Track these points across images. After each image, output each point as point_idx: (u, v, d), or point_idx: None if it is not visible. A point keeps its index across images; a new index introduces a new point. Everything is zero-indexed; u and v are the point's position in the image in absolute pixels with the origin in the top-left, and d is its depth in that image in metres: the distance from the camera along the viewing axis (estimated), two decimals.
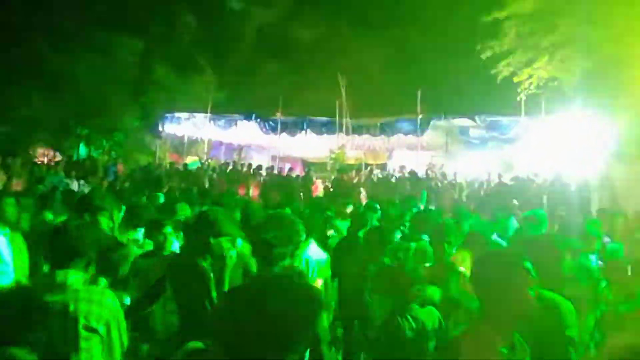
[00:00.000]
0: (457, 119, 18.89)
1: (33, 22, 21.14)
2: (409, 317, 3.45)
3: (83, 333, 2.83)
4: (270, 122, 20.01)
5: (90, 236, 3.11)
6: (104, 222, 4.64)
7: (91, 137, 21.98)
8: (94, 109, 21.29)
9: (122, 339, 3.02)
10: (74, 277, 2.90)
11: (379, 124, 18.85)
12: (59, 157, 20.26)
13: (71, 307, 2.83)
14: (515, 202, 12.31)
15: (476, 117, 18.36)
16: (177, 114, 21.18)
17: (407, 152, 20.22)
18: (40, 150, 21.63)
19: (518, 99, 17.13)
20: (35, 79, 20.89)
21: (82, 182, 15.82)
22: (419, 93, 17.98)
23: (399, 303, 3.50)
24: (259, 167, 19.21)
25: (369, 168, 19.30)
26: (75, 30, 21.07)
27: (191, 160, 21.58)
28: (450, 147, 19.78)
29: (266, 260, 3.32)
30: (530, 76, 16.44)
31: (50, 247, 3.03)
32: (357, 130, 19.15)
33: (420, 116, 18.11)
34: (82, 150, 21.99)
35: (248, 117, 20.34)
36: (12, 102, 21.13)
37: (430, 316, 3.61)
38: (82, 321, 2.84)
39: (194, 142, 21.99)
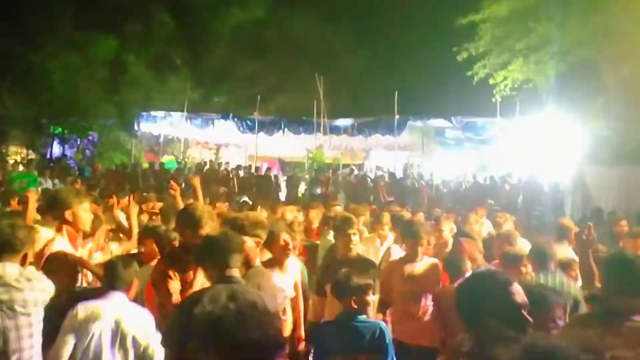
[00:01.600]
0: (433, 119, 19.11)
1: (3, 18, 20.74)
2: None
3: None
4: (248, 122, 19.95)
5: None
6: None
7: (65, 136, 21.62)
8: (68, 107, 20.94)
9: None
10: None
11: (356, 124, 18.97)
12: (32, 156, 19.88)
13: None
14: (490, 201, 12.55)
15: (452, 118, 18.61)
16: (153, 113, 20.96)
17: (384, 152, 20.38)
18: (12, 149, 21.21)
19: (493, 100, 17.37)
20: (4, 76, 20.49)
21: (56, 181, 15.60)
22: (396, 94, 18.13)
23: None
24: (238, 167, 19.17)
25: (347, 168, 19.37)
26: (48, 27, 20.71)
27: (167, 159, 21.40)
28: (427, 148, 19.98)
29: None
30: (505, 78, 16.69)
31: None
32: (335, 130, 19.23)
33: (397, 117, 18.27)
34: (56, 149, 21.63)
35: (225, 117, 20.25)
36: None
37: None
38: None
39: (170, 141, 21.80)
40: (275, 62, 23.97)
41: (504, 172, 16.76)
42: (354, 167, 19.69)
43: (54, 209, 4.44)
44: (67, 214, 4.31)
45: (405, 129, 18.60)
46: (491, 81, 16.90)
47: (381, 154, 20.71)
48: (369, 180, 17.12)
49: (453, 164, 19.03)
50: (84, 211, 4.42)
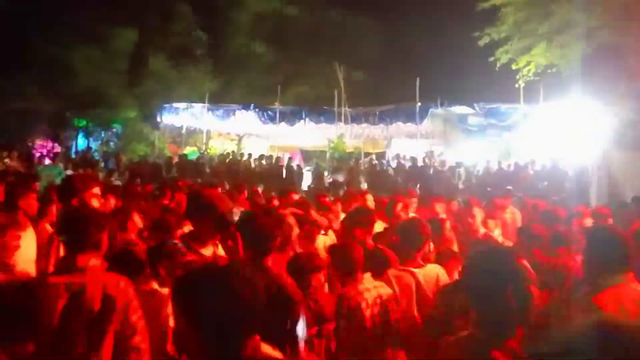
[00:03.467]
0: (455, 106, 18.91)
1: (25, 12, 21.05)
2: None
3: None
4: (269, 112, 20.02)
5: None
6: None
7: (89, 129, 21.96)
8: (91, 100, 21.26)
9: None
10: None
11: (377, 113, 18.88)
12: (57, 149, 20.23)
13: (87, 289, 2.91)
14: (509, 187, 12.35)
15: (474, 105, 18.40)
16: (175, 105, 21.16)
17: (406, 141, 20.24)
18: (38, 142, 21.60)
19: (516, 86, 17.13)
20: (28, 71, 20.83)
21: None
22: (417, 81, 17.96)
23: None
24: (261, 157, 19.26)
25: (369, 157, 19.30)
26: (70, 21, 20.98)
27: (190, 150, 21.57)
28: (449, 135, 19.79)
29: None
30: (529, 63, 16.42)
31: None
32: (356, 119, 19.16)
33: (418, 104, 18.12)
34: (81, 141, 21.98)
35: (246, 107, 20.34)
36: (6, 95, 21.09)
37: None
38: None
39: (192, 133, 21.96)
40: (294, 51, 23.91)
41: (527, 158, 16.54)
42: (374, 156, 19.60)
43: (64, 195, 4.51)
44: (76, 201, 4.36)
45: (427, 117, 18.45)
46: (514, 66, 16.64)
47: (403, 142, 20.57)
48: (390, 168, 17.06)
49: (476, 152, 18.82)
50: (92, 197, 4.46)
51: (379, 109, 18.96)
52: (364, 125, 19.39)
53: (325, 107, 19.47)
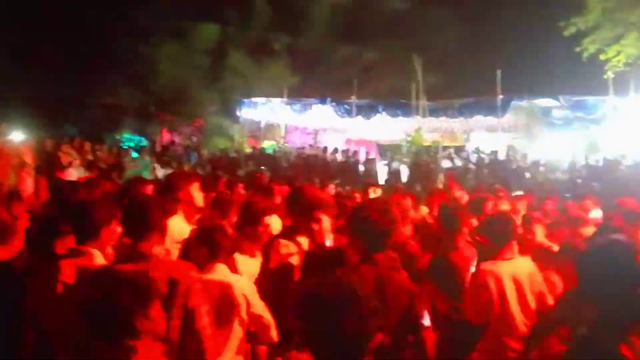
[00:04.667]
0: (539, 99, 18.24)
1: (112, 11, 22.15)
2: None
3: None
4: (345, 106, 20.05)
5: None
6: None
7: (173, 123, 22.82)
8: (174, 96, 22.10)
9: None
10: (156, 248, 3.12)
11: (456, 106, 18.49)
12: (143, 143, 21.14)
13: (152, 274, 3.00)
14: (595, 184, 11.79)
15: (560, 97, 17.69)
16: (254, 99, 21.60)
17: (486, 134, 19.75)
18: (126, 136, 22.64)
19: (605, 77, 16.41)
20: (116, 67, 21.88)
21: (166, 166, 16.47)
22: (498, 73, 17.45)
23: None
24: (335, 150, 19.36)
25: (447, 151, 18.98)
26: (153, 18, 21.84)
27: (268, 144, 21.98)
28: (532, 129, 19.14)
29: None
30: (618, 53, 15.76)
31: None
32: (434, 112, 18.84)
33: (500, 97, 17.60)
34: (165, 135, 22.86)
35: (323, 101, 20.46)
36: (98, 91, 22.29)
37: None
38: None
39: (270, 127, 22.35)
40: (371, 44, 23.74)
41: (617, 153, 15.75)
42: (451, 150, 19.25)
43: (168, 191, 4.72)
44: (182, 195, 4.56)
45: (509, 110, 17.88)
46: (602, 57, 16.01)
47: (483, 136, 20.09)
48: (470, 163, 16.73)
49: (560, 146, 18.09)
50: (195, 190, 4.66)
51: (458, 102, 18.56)
52: (442, 118, 19.05)
53: (402, 101, 19.27)
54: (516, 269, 4.08)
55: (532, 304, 4.01)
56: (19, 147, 11.77)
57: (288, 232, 4.08)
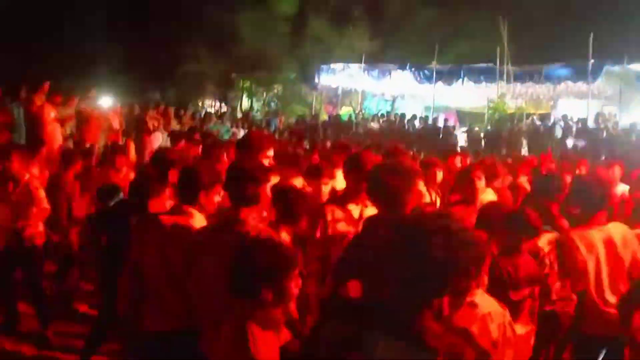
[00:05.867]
0: (634, 64, 17.04)
1: None
2: None
3: None
4: (425, 71, 19.56)
5: None
6: None
7: (252, 90, 23.17)
8: (254, 63, 22.38)
9: None
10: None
11: (543, 71, 17.59)
12: (224, 108, 21.64)
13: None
14: None
15: None
16: (332, 66, 21.50)
17: (575, 101, 18.75)
18: (208, 102, 23.24)
19: None
20: (201, 36, 22.37)
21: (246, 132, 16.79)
22: (590, 36, 16.43)
23: None
24: (413, 117, 19.06)
25: (530, 118, 18.21)
26: None
27: (345, 111, 21.93)
28: (625, 96, 17.99)
29: None
30: None
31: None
32: (519, 77, 18.02)
33: (591, 62, 16.58)
34: (245, 102, 23.29)
35: (402, 67, 20.07)
36: (183, 59, 22.93)
37: None
38: None
39: (348, 93, 22.26)
40: (454, 7, 22.94)
41: None
42: (535, 117, 18.45)
43: (248, 151, 4.79)
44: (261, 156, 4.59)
45: (601, 75, 16.82)
46: None
47: (571, 103, 19.09)
48: (557, 130, 15.99)
49: None
50: (265, 158, 4.66)
51: (545, 67, 17.64)
52: (528, 84, 18.18)
53: (485, 65, 18.54)
54: (609, 234, 3.91)
55: (627, 265, 3.84)
56: (108, 112, 12.38)
57: (341, 199, 3.97)
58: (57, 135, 10.28)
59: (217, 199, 3.38)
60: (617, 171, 7.28)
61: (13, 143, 8.41)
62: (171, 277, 3.20)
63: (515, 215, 3.75)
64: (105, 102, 13.89)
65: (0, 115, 10.78)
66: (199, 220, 3.29)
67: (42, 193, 5.42)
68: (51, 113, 10.24)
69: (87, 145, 10.16)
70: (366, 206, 3.74)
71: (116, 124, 11.91)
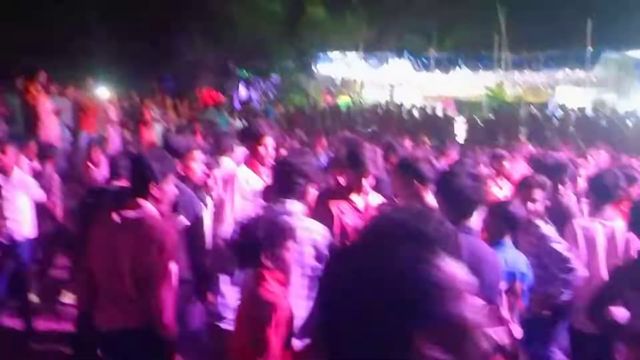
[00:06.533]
0: (632, 51, 16.99)
1: None
2: None
3: None
4: (423, 59, 19.48)
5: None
6: None
7: (249, 79, 23.01)
8: (251, 51, 22.19)
9: None
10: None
11: (542, 58, 17.51)
12: (221, 98, 21.48)
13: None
14: None
15: None
16: (329, 54, 21.39)
17: (573, 89, 18.69)
18: (205, 92, 23.09)
19: None
20: (196, 24, 22.16)
21: (244, 121, 16.67)
22: (588, 22, 16.34)
23: None
24: (412, 107, 18.97)
25: (528, 106, 18.14)
26: None
27: (342, 100, 21.82)
28: (623, 83, 17.94)
29: None
30: None
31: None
32: (517, 65, 17.95)
33: (589, 48, 16.52)
34: (242, 91, 23.12)
35: (399, 54, 20.00)
36: (179, 48, 22.72)
37: None
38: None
39: (346, 82, 22.15)
40: None
41: None
42: (532, 106, 18.39)
43: (247, 140, 4.76)
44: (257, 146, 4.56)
45: (599, 62, 16.77)
46: None
47: (569, 90, 19.03)
48: (555, 118, 15.95)
49: None
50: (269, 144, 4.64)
51: (543, 54, 17.56)
52: (526, 72, 18.14)
53: (484, 53, 18.46)
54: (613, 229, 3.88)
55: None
56: (104, 102, 12.29)
57: (341, 191, 3.95)
58: (54, 126, 10.19)
59: (171, 189, 3.27)
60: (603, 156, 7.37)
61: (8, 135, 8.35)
62: (120, 274, 3.09)
63: None
64: (101, 92, 13.75)
65: None
66: (150, 213, 3.17)
67: (33, 184, 5.47)
68: (47, 104, 10.14)
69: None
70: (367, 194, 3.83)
71: (113, 114, 11.87)
